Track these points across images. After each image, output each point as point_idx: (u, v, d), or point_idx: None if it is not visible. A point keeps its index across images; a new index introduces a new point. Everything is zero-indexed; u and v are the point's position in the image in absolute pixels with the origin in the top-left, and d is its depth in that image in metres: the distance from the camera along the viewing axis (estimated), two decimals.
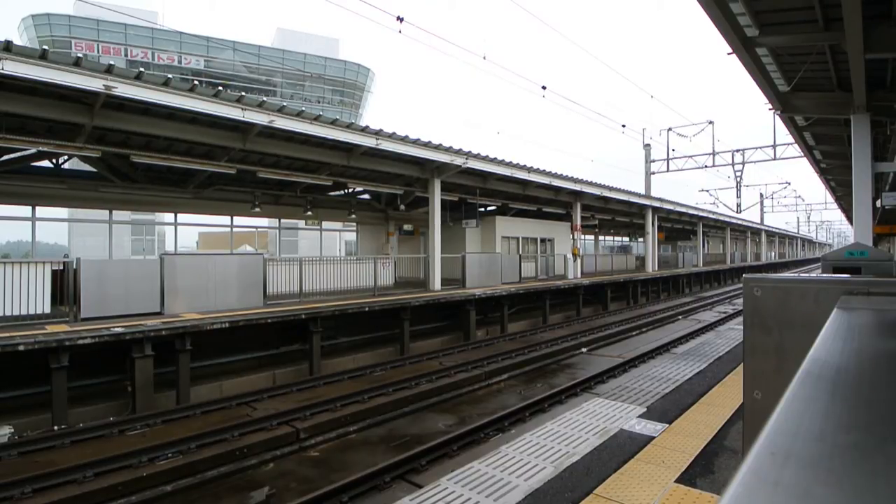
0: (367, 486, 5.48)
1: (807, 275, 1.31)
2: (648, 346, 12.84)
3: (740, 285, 1.34)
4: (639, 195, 23.53)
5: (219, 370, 9.64)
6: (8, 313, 8.18)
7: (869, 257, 2.73)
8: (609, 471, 3.62)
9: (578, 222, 20.56)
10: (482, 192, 17.24)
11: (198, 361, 9.02)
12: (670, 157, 27.85)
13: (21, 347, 6.73)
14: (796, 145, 15.20)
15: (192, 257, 11.89)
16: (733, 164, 26.26)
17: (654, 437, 4.24)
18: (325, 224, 19.50)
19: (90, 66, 7.27)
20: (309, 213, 16.60)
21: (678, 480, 3.43)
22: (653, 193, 26.75)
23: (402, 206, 17.97)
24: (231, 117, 8.95)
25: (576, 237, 20.74)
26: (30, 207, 11.90)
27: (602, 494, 3.27)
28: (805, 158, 16.08)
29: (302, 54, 48.44)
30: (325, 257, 14.07)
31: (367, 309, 11.05)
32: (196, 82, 8.96)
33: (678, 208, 27.24)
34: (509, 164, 15.05)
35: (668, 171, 28.22)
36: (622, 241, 45.29)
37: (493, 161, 14.56)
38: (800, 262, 67.13)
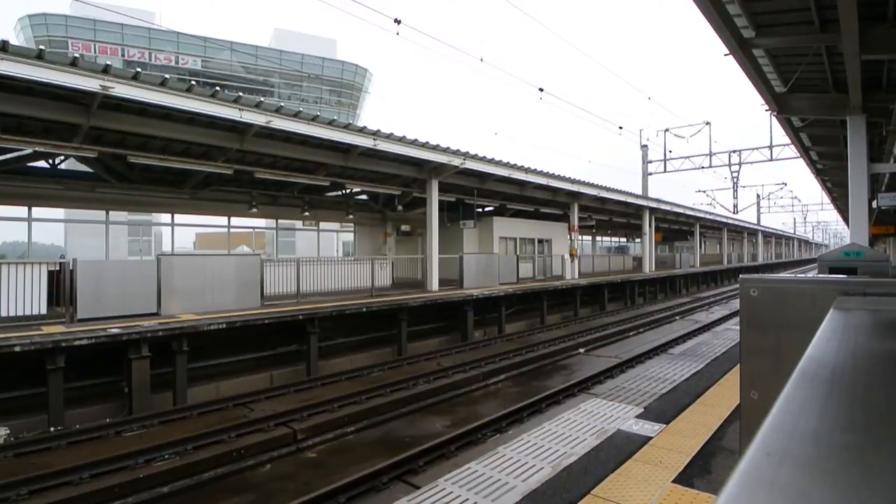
0: (364, 487, 5.47)
1: (803, 275, 1.30)
2: (646, 346, 12.86)
3: (737, 286, 1.35)
4: (636, 196, 23.58)
5: (216, 371, 9.61)
6: (4, 314, 8.15)
7: (865, 258, 2.74)
8: (607, 471, 3.62)
9: (576, 223, 20.59)
10: (480, 193, 17.24)
11: (195, 362, 8.99)
12: (667, 157, 27.96)
13: (17, 348, 6.70)
14: (793, 146, 15.25)
15: (189, 258, 11.88)
16: (730, 165, 26.37)
17: (651, 438, 4.25)
18: (322, 225, 19.46)
19: (87, 67, 7.24)
20: (306, 213, 16.57)
21: (675, 481, 3.43)
22: (650, 194, 26.81)
23: (400, 207, 17.95)
24: (228, 118, 8.93)
25: (573, 238, 20.76)
26: (26, 208, 11.85)
27: (599, 495, 3.27)
28: (801, 159, 16.13)
29: (299, 55, 48.38)
30: (322, 258, 14.05)
31: (364, 310, 11.03)
32: (193, 82, 8.94)
33: (675, 209, 27.30)
34: (507, 165, 15.06)
35: (665, 171, 28.32)
36: (619, 241, 45.38)
37: (491, 162, 14.57)
38: (796, 263, 67.32)
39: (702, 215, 31.68)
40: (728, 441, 4.12)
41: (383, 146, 11.58)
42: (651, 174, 28.88)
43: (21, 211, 11.84)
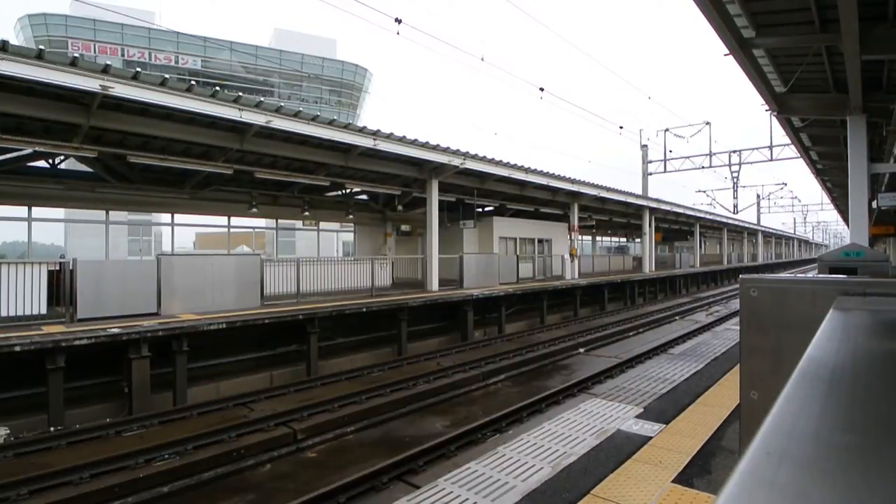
0: (364, 487, 5.47)
1: (803, 275, 1.30)
2: (645, 346, 12.86)
3: (737, 286, 1.35)
4: (636, 196, 23.58)
5: (216, 371, 9.61)
6: (4, 314, 8.15)
7: (865, 258, 2.74)
8: (606, 471, 3.62)
9: (576, 223, 20.59)
10: (480, 193, 17.25)
11: (195, 362, 9.00)
12: (667, 157, 27.96)
13: (17, 348, 6.70)
14: (793, 146, 15.25)
15: (189, 258, 11.87)
16: (730, 165, 26.37)
17: (651, 438, 4.25)
18: (322, 224, 19.46)
19: (87, 66, 7.24)
20: (306, 213, 16.58)
21: (675, 480, 3.43)
22: (650, 194, 26.81)
23: (400, 207, 17.96)
24: (228, 118, 8.93)
25: (573, 238, 20.77)
26: (26, 208, 11.85)
27: (599, 495, 3.27)
28: (801, 159, 16.13)
29: (299, 55, 48.37)
30: (322, 258, 14.05)
31: (364, 310, 11.03)
32: (193, 82, 8.94)
33: (675, 209, 27.31)
34: (507, 165, 15.06)
35: (665, 171, 28.31)
36: (619, 241, 45.40)
37: (491, 162, 14.57)
38: (796, 263, 67.33)
39: (702, 215, 31.68)
40: (728, 441, 4.12)
41: (383, 146, 11.57)
42: (651, 174, 28.89)
43: (21, 211, 11.84)
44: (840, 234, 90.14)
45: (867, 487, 0.28)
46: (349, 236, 20.44)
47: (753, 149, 24.98)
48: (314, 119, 10.18)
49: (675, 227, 36.08)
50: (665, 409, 5.06)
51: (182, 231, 21.68)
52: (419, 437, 6.97)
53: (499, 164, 14.82)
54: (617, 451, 3.99)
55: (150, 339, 7.95)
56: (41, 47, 7.17)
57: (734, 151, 26.08)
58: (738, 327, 1.30)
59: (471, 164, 13.95)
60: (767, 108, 9.59)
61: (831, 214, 66.80)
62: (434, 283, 14.47)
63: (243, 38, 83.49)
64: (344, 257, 18.86)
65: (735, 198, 27.79)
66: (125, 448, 6.03)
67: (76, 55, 7.41)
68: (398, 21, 11.38)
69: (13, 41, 6.69)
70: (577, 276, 20.85)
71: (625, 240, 44.47)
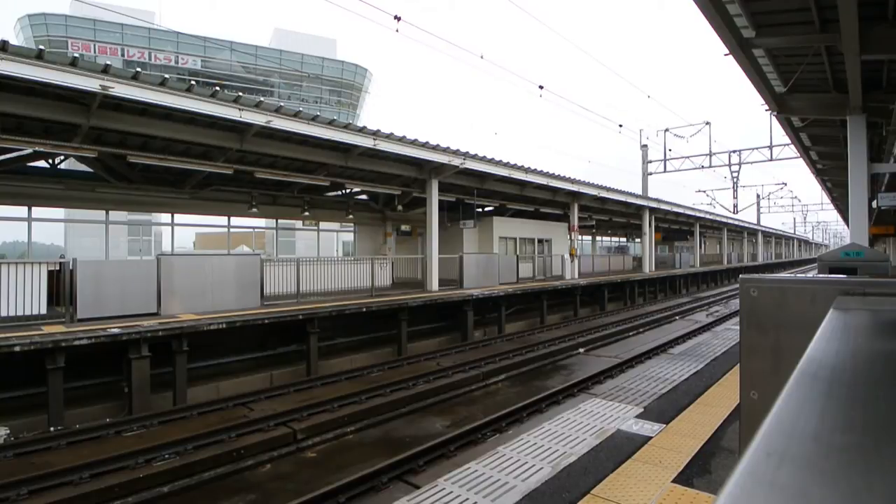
0: (364, 487, 5.47)
1: (803, 275, 1.30)
2: (645, 346, 12.86)
3: (737, 286, 1.35)
4: (636, 196, 23.57)
5: (216, 371, 9.61)
6: (4, 314, 8.14)
7: (865, 258, 2.74)
8: (606, 471, 3.62)
9: (576, 223, 20.59)
10: (480, 193, 17.24)
11: (194, 362, 8.99)
12: (667, 157, 27.96)
13: (17, 348, 6.70)
14: (793, 146, 15.25)
15: (188, 258, 11.87)
16: (730, 165, 26.36)
17: (651, 438, 4.25)
18: (322, 224, 19.46)
19: (87, 66, 7.24)
20: (306, 213, 16.58)
21: (675, 480, 3.43)
22: (650, 194, 26.80)
23: (400, 207, 17.96)
24: (228, 117, 8.93)
25: (573, 237, 20.77)
26: (26, 208, 11.85)
27: (599, 495, 3.27)
28: (801, 159, 16.13)
29: (299, 54, 48.41)
30: (322, 258, 14.05)
31: (364, 310, 11.03)
32: (193, 82, 8.94)
33: (675, 209, 27.30)
34: (507, 165, 15.06)
35: (665, 171, 28.31)
36: (619, 241, 45.41)
37: (491, 162, 14.57)
38: (796, 263, 67.32)
39: (702, 215, 31.67)
40: (728, 441, 4.12)
41: (383, 146, 11.58)
42: (651, 174, 28.89)
43: (21, 211, 11.84)
44: (840, 234, 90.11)
45: (867, 487, 0.28)
46: (349, 236, 20.43)
47: (753, 149, 24.98)
48: (314, 119, 10.18)
49: (675, 227, 36.08)
50: (665, 409, 5.06)
51: (182, 231, 21.70)
52: (419, 437, 6.97)
53: (499, 164, 14.83)
54: (617, 450, 3.99)
55: (150, 339, 7.95)
56: (41, 47, 7.17)
57: (734, 151, 26.08)
58: (738, 327, 1.30)
59: (471, 164, 13.95)
60: (767, 108, 9.59)
61: (831, 214, 66.84)
62: (434, 283, 14.47)
63: (243, 38, 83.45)
64: (344, 257, 18.85)
65: (735, 198, 27.77)
66: (125, 448, 6.03)
67: (76, 55, 7.41)
68: (397, 18, 11.37)
69: (13, 41, 6.69)
70: (576, 276, 20.85)
71: (625, 240, 44.48)
